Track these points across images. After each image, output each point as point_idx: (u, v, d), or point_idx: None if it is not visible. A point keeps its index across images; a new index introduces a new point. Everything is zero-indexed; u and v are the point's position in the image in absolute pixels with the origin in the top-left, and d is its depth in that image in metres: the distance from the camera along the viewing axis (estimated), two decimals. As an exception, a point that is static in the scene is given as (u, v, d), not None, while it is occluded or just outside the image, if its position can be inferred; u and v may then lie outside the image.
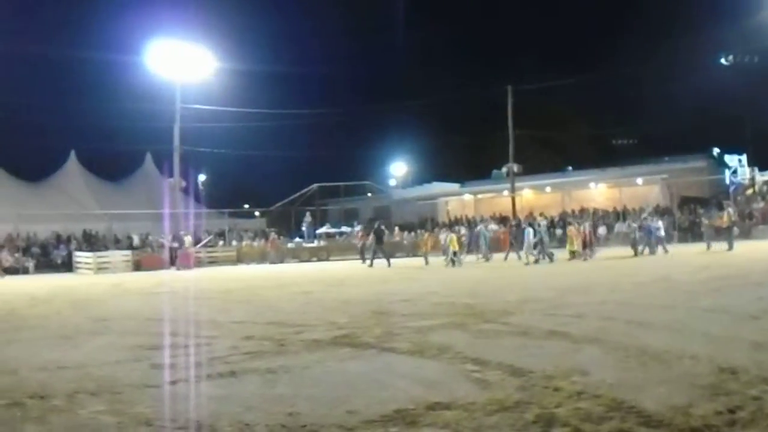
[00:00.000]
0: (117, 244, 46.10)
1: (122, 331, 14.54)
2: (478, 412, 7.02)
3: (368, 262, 34.95)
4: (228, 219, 53.32)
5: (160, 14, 67.25)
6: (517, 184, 53.44)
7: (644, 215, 38.66)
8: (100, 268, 39.06)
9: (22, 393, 8.62)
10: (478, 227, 39.13)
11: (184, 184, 50.08)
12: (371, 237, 37.43)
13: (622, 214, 45.94)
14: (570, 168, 64.38)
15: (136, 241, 46.09)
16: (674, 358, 9.04)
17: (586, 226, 34.76)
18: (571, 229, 33.61)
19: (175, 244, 42.41)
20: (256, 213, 62.65)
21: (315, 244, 46.61)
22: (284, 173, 71.56)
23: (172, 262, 40.94)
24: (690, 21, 68.49)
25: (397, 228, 46.88)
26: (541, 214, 40.68)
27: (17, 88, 71.81)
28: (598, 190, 53.52)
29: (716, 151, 59.02)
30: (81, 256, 41.41)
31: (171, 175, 48.22)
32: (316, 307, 17.52)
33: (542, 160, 63.75)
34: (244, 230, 51.52)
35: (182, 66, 45.28)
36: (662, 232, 34.20)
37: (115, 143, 59.66)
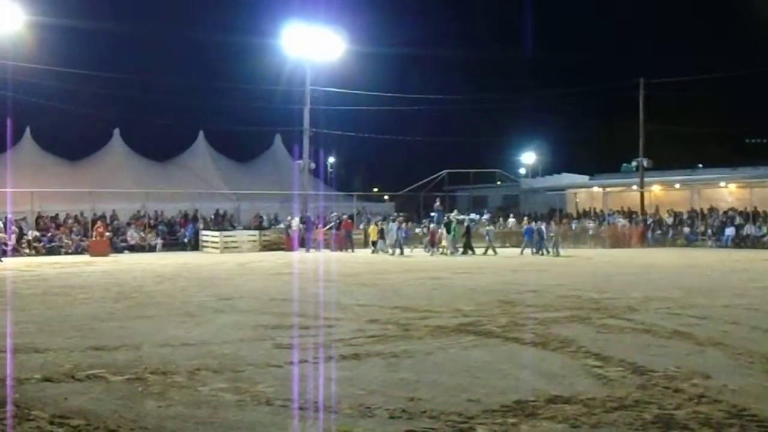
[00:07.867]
0: (244, 224, 46.85)
1: (246, 310, 14.99)
2: (598, 408, 7.13)
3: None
4: (357, 202, 53.50)
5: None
6: (646, 179, 52.34)
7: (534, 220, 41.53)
8: (227, 248, 39.67)
9: (144, 368, 9.04)
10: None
11: (313, 166, 50.62)
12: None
13: (752, 216, 44.34)
14: (700, 165, 62.54)
15: (264, 221, 46.69)
16: (800, 368, 8.89)
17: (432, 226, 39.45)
18: (432, 227, 38.93)
19: (302, 226, 42.95)
20: (386, 197, 62.86)
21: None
22: (414, 158, 71.39)
23: (301, 243, 41.49)
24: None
25: (525, 218, 46.41)
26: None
27: (149, 70, 74.40)
28: (728, 190, 51.85)
29: None
30: (208, 235, 42.01)
31: (300, 157, 48.72)
32: (442, 294, 17.79)
33: (672, 155, 62.09)
34: (372, 214, 51.63)
35: (313, 48, 45.40)
36: (545, 236, 37.12)
37: (244, 124, 60.73)
